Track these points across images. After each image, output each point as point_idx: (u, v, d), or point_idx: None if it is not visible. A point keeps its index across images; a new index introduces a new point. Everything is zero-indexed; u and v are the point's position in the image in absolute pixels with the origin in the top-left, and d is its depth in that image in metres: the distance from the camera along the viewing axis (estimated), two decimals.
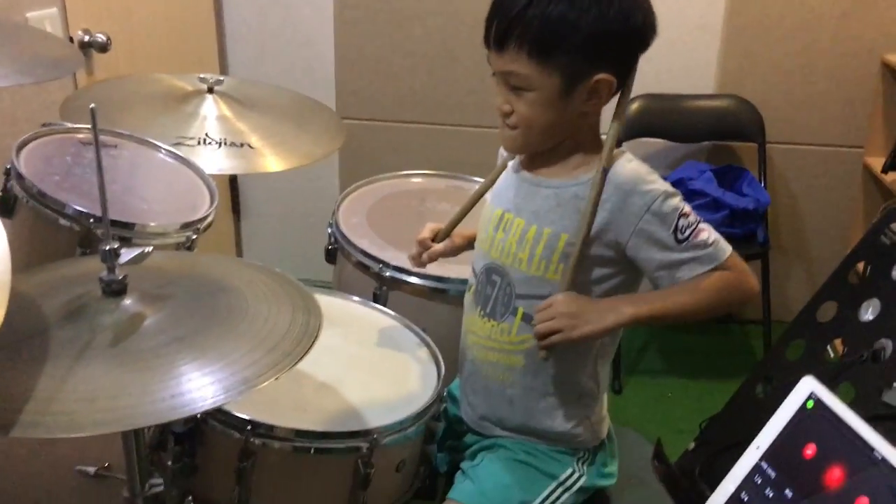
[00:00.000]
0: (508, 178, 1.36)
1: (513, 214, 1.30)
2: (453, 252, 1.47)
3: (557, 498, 1.34)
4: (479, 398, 1.40)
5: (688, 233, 1.20)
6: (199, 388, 0.94)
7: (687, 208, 1.22)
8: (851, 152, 2.85)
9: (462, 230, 1.47)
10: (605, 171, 1.21)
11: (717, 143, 2.93)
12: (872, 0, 2.68)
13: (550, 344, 1.21)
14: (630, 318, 1.21)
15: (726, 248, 1.22)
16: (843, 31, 2.73)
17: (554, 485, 1.34)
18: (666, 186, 1.22)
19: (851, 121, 2.83)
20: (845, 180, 2.89)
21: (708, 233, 1.22)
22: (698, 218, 1.22)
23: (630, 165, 1.24)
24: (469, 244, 1.46)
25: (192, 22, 2.76)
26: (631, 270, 1.26)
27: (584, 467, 1.36)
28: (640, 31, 1.19)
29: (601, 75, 1.18)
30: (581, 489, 1.36)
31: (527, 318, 1.28)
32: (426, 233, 1.46)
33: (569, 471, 1.35)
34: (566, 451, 1.36)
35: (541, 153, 1.30)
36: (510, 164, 1.38)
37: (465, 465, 1.39)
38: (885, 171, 2.61)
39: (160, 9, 2.51)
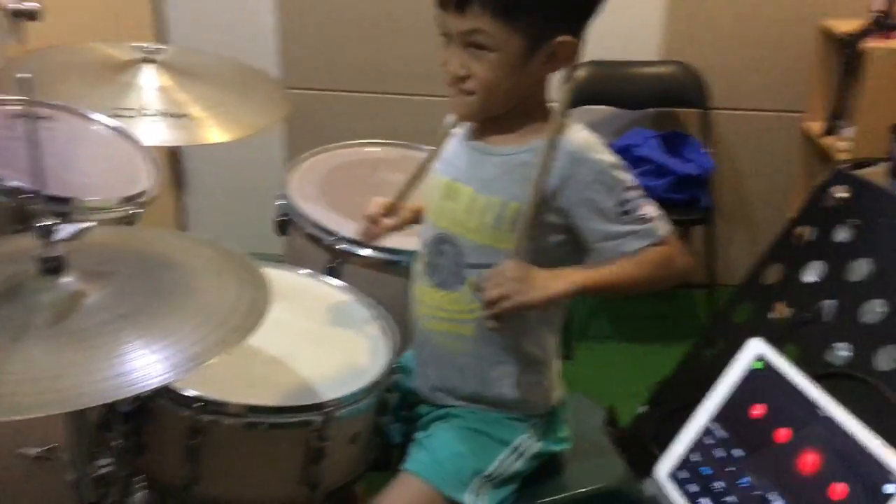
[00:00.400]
0: (456, 147, 1.35)
1: (461, 183, 1.29)
2: (402, 226, 1.46)
3: (511, 464, 1.34)
4: (431, 369, 1.39)
5: (631, 205, 1.21)
6: (145, 365, 0.92)
7: (632, 182, 1.23)
8: (791, 117, 2.90)
9: (410, 203, 1.46)
10: (555, 141, 1.21)
11: (661, 109, 2.95)
12: None
13: (500, 311, 1.20)
14: (577, 287, 1.22)
15: (664, 226, 1.24)
16: None
17: (507, 451, 1.35)
18: (615, 158, 1.23)
19: (791, 86, 2.87)
20: (786, 145, 2.94)
21: (650, 208, 1.23)
22: (642, 192, 1.23)
23: (581, 134, 1.24)
24: (418, 217, 1.45)
25: None
26: (579, 240, 1.27)
27: (537, 433, 1.37)
28: None
29: (563, 38, 1.19)
30: (535, 455, 1.37)
31: (476, 288, 1.28)
32: (374, 207, 1.44)
33: (522, 437, 1.36)
34: (519, 417, 1.36)
35: (490, 121, 1.29)
36: (458, 132, 1.36)
37: (418, 435, 1.39)
38: (824, 135, 2.66)
39: None
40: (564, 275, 1.22)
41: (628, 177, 1.23)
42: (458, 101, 1.25)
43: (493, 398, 1.35)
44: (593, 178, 1.21)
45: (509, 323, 1.24)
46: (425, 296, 1.36)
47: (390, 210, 1.44)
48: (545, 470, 1.41)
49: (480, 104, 1.24)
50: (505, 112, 1.27)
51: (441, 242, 1.32)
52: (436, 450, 1.33)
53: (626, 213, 1.21)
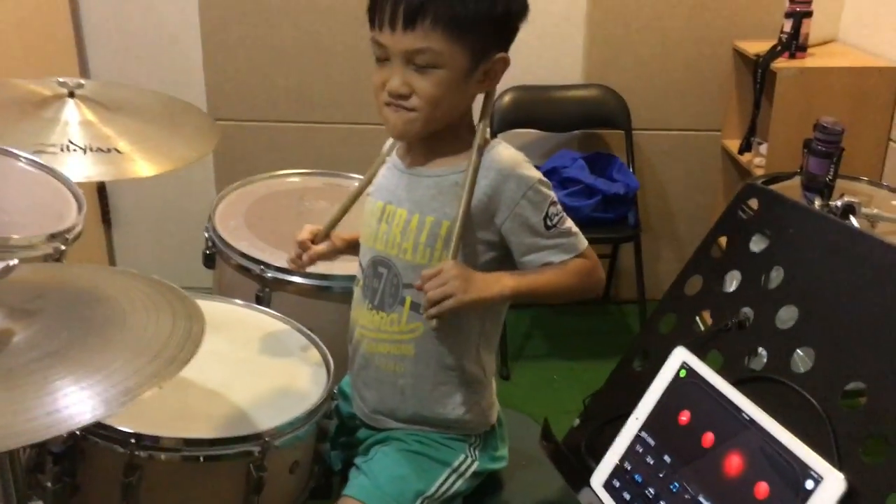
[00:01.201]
0: (389, 172, 1.37)
1: (394, 206, 1.32)
2: (333, 255, 1.47)
3: (452, 484, 1.36)
4: (370, 391, 1.40)
5: (556, 220, 1.27)
6: (77, 402, 0.90)
7: (555, 197, 1.28)
8: (710, 136, 3.01)
9: (341, 233, 1.47)
10: (481, 151, 1.25)
11: (586, 131, 3.03)
12: None
13: (443, 309, 1.21)
14: (511, 291, 1.26)
15: (584, 241, 1.31)
16: (696, 19, 2.88)
17: (448, 471, 1.36)
18: (539, 175, 1.28)
19: (709, 105, 2.98)
20: (706, 162, 3.05)
21: (570, 223, 1.30)
22: (562, 207, 1.29)
23: (507, 152, 1.28)
24: (349, 247, 1.46)
25: (46, 24, 2.63)
26: (508, 255, 1.31)
27: (476, 452, 1.39)
28: (527, 11, 1.25)
29: (501, 54, 1.23)
30: (474, 474, 1.38)
31: (414, 307, 1.30)
32: (305, 234, 1.45)
33: (461, 457, 1.37)
34: (458, 437, 1.38)
35: (422, 146, 1.32)
36: (389, 159, 1.39)
37: (358, 460, 1.39)
38: (741, 151, 2.77)
39: (11, 11, 2.37)
40: (501, 278, 1.27)
41: (551, 193, 1.28)
42: (397, 117, 1.25)
43: (433, 418, 1.37)
44: (521, 193, 1.25)
45: (451, 322, 1.26)
46: (364, 319, 1.37)
47: (320, 237, 1.45)
48: (485, 488, 1.43)
49: (422, 121, 1.25)
50: (435, 135, 1.29)
51: (377, 265, 1.34)
52: (376, 474, 1.33)
53: (551, 226, 1.27)
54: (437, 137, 1.30)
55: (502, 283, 1.26)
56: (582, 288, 1.30)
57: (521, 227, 1.26)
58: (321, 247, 1.45)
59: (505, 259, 1.31)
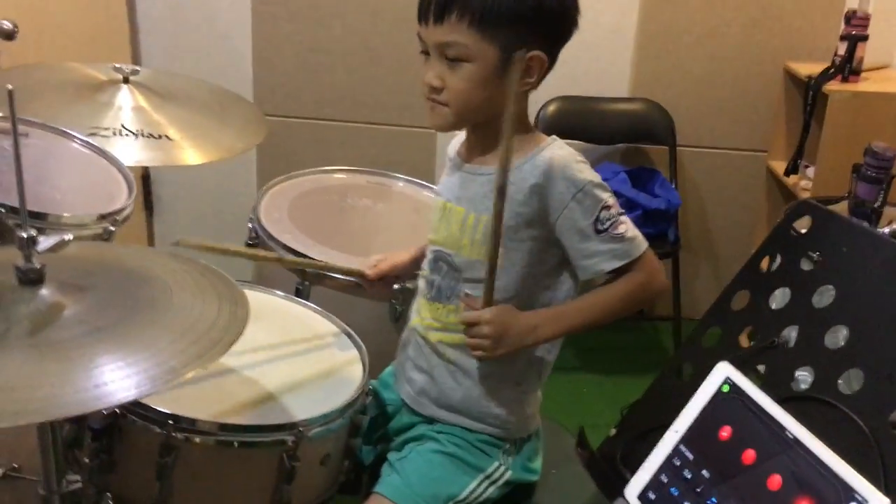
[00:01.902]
0: (451, 171, 1.39)
1: (452, 204, 1.34)
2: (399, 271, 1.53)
3: (484, 491, 1.35)
4: (419, 374, 1.40)
5: (607, 224, 1.24)
6: (123, 378, 0.91)
7: (610, 201, 1.26)
8: (756, 156, 2.98)
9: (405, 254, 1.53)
10: (505, 168, 1.20)
11: (630, 145, 3.01)
12: (777, 10, 2.81)
13: (476, 357, 1.29)
14: (546, 340, 1.31)
15: (641, 245, 1.27)
16: (748, 38, 2.85)
17: (481, 477, 1.35)
18: (593, 176, 1.26)
19: (756, 125, 2.95)
20: (750, 183, 3.02)
21: (626, 227, 1.26)
22: (621, 211, 1.26)
23: (560, 151, 1.27)
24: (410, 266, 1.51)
25: (103, 11, 2.67)
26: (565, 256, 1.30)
27: (510, 460, 1.38)
28: (571, 15, 1.24)
29: (535, 52, 1.22)
30: (506, 482, 1.37)
31: (467, 296, 1.32)
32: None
33: (495, 464, 1.36)
34: (493, 441, 1.37)
35: (477, 142, 1.33)
36: (450, 158, 1.40)
37: (391, 456, 1.39)
38: (787, 174, 2.74)
39: None
40: (537, 328, 1.28)
41: (606, 195, 1.25)
42: (433, 111, 1.28)
43: (476, 411, 1.36)
44: (571, 195, 1.24)
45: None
46: (423, 309, 1.39)
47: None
48: (515, 496, 1.42)
49: (454, 115, 1.27)
50: (487, 133, 1.29)
51: (438, 260, 1.36)
52: (409, 473, 1.33)
53: (602, 231, 1.24)
54: (489, 135, 1.29)
55: (537, 334, 1.28)
56: (632, 306, 1.28)
57: (571, 230, 1.25)
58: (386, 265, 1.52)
59: (567, 268, 1.31)
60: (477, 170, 1.32)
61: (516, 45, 1.21)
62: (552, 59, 1.26)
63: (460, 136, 1.39)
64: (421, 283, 1.42)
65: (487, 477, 1.36)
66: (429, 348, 1.39)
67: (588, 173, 1.26)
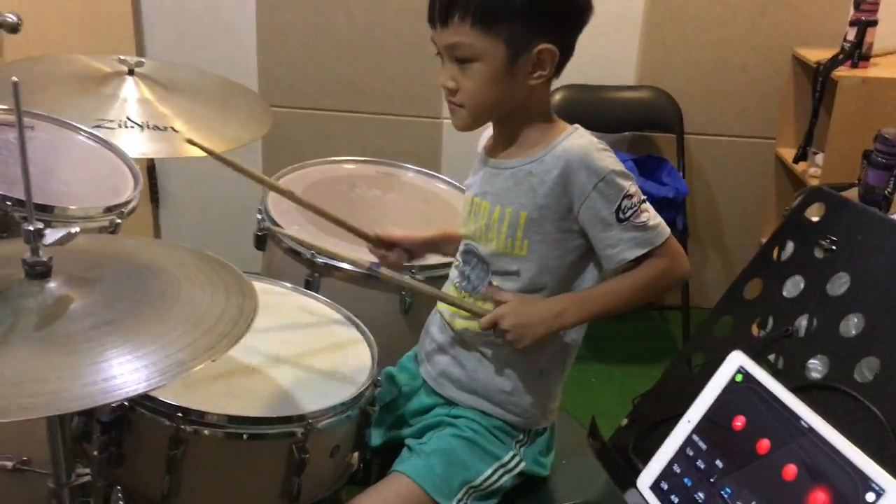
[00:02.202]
0: (478, 166, 1.39)
1: (480, 199, 1.34)
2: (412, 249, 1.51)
3: (499, 479, 1.36)
4: (443, 356, 1.41)
5: (629, 213, 1.24)
6: (131, 371, 0.91)
7: (633, 189, 1.25)
8: (764, 143, 2.96)
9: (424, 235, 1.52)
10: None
11: (637, 133, 2.99)
12: None
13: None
14: (572, 325, 1.31)
15: (664, 233, 1.27)
16: (756, 25, 2.83)
17: (496, 465, 1.36)
18: (615, 164, 1.25)
19: (764, 113, 2.93)
20: (759, 170, 3.00)
21: (648, 215, 1.25)
22: (643, 198, 1.26)
23: (580, 142, 1.27)
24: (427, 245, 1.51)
25: (107, 2, 2.67)
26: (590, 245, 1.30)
27: (522, 450, 1.38)
28: (578, 3, 1.23)
29: (544, 45, 1.21)
30: (520, 473, 1.38)
31: (491, 287, 1.33)
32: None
33: (510, 453, 1.37)
34: (508, 430, 1.37)
35: (501, 137, 1.33)
36: (480, 154, 1.40)
37: (411, 441, 1.39)
38: (796, 161, 2.72)
39: None
40: (562, 313, 1.28)
41: (628, 183, 1.25)
42: (453, 114, 1.30)
43: (497, 397, 1.36)
44: (592, 185, 1.23)
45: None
46: (451, 293, 1.40)
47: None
48: (527, 487, 1.42)
49: (470, 115, 1.28)
50: (510, 127, 1.31)
51: (468, 253, 1.38)
52: (429, 455, 1.34)
53: (624, 220, 1.24)
54: (512, 128, 1.31)
55: (563, 318, 1.28)
56: (656, 292, 1.29)
57: (593, 220, 1.25)
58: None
59: (591, 256, 1.31)
60: (501, 164, 1.33)
61: (522, 39, 1.20)
62: (566, 49, 1.25)
63: (489, 131, 1.39)
64: (453, 273, 1.42)
65: (502, 465, 1.37)
66: (454, 334, 1.39)
67: (609, 161, 1.25)
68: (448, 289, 1.42)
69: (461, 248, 1.41)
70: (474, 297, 1.36)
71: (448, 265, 1.48)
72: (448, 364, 1.40)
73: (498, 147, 1.35)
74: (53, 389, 0.87)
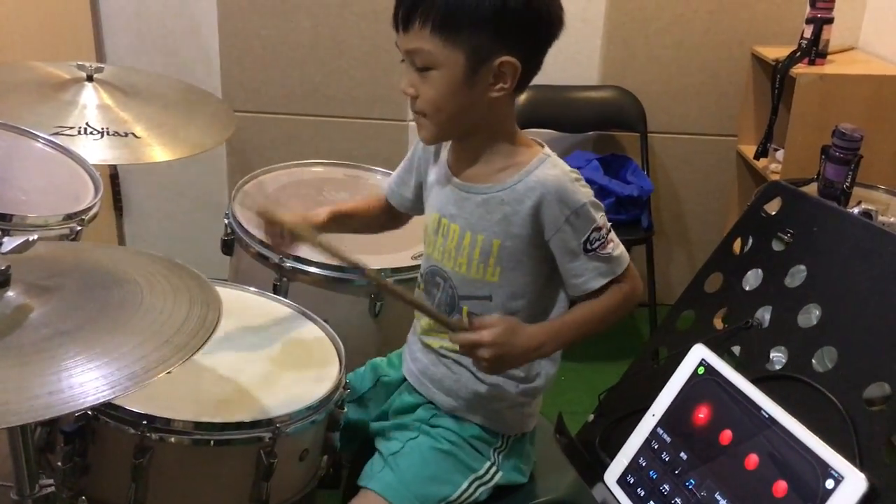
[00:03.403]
0: (441, 183, 1.35)
1: (448, 220, 1.32)
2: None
3: (475, 491, 1.34)
4: (429, 354, 1.39)
5: (596, 245, 1.24)
6: (81, 384, 0.89)
7: (601, 220, 1.25)
8: (726, 140, 3.00)
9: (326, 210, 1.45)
10: None
11: (601, 132, 3.02)
12: None
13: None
14: (548, 355, 1.31)
15: (625, 261, 1.27)
16: (715, 24, 2.86)
17: (472, 478, 1.34)
18: (586, 196, 1.24)
19: (725, 110, 2.97)
20: (721, 167, 3.04)
21: (613, 244, 1.26)
22: (609, 227, 1.26)
23: (553, 172, 1.25)
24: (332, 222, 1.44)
25: (64, 8, 2.63)
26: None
27: (500, 458, 1.37)
28: (544, 18, 1.20)
29: (505, 57, 1.18)
30: (497, 484, 1.36)
31: (471, 316, 1.31)
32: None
33: (486, 464, 1.36)
34: (487, 438, 1.37)
35: (464, 154, 1.30)
36: (437, 169, 1.37)
37: (383, 447, 1.38)
38: (757, 157, 2.75)
39: None
40: (541, 344, 1.26)
41: (599, 214, 1.25)
42: (418, 125, 1.28)
43: (476, 402, 1.35)
44: (564, 218, 1.23)
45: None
46: (425, 319, 1.38)
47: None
48: (502, 494, 1.41)
49: (435, 126, 1.25)
50: (473, 145, 1.28)
51: (435, 275, 1.35)
52: (404, 470, 1.32)
53: (590, 251, 1.24)
54: (476, 145, 1.29)
55: (542, 350, 1.26)
56: (620, 317, 1.28)
57: (562, 250, 1.25)
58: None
59: (553, 282, 1.31)
60: (470, 188, 1.30)
61: (483, 50, 1.18)
62: (529, 64, 1.22)
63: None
64: (420, 296, 1.40)
65: (478, 478, 1.35)
66: (432, 352, 1.38)
67: (582, 193, 1.24)
68: (418, 315, 1.41)
69: (425, 268, 1.38)
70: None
71: (417, 268, 1.47)
72: (431, 363, 1.39)
73: (461, 164, 1.31)
74: (1, 402, 0.85)
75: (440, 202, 1.34)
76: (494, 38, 1.18)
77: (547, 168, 1.26)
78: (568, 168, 1.27)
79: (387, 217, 1.53)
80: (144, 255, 1.21)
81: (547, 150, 1.30)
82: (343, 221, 1.46)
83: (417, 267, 1.47)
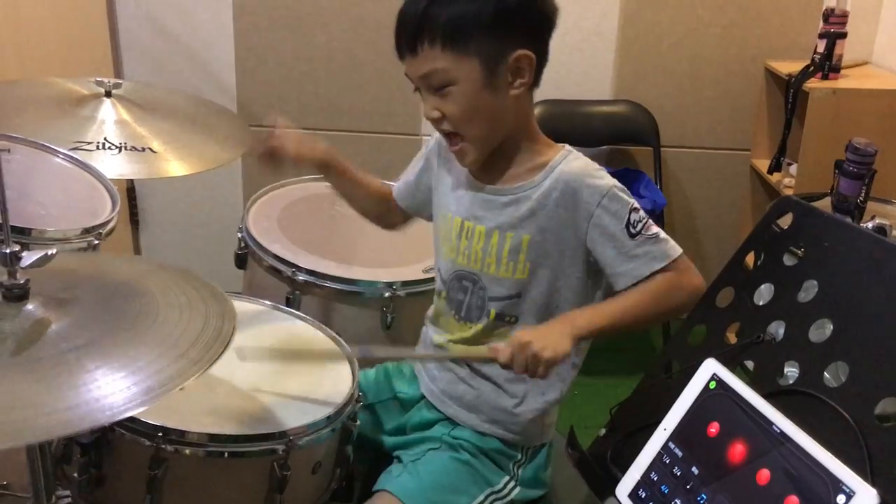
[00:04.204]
0: (462, 187, 1.35)
1: (472, 223, 1.31)
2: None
3: None
4: (445, 373, 1.40)
5: (640, 227, 1.22)
6: (98, 399, 0.89)
7: (636, 203, 1.24)
8: (739, 155, 3.00)
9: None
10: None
11: (614, 146, 3.02)
12: (757, 10, 2.83)
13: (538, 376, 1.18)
14: (587, 331, 1.20)
15: (676, 246, 1.24)
16: (728, 39, 2.87)
17: (488, 491, 1.35)
18: (613, 181, 1.24)
19: (738, 125, 2.97)
20: (734, 181, 3.03)
21: (657, 228, 1.24)
22: (645, 213, 1.24)
23: (577, 164, 1.26)
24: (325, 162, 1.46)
25: (84, 25, 2.67)
26: (596, 266, 1.27)
27: (519, 472, 1.37)
28: (540, 5, 1.22)
29: (519, 51, 1.20)
30: (513, 499, 1.37)
31: (499, 317, 1.31)
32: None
33: (504, 479, 1.36)
34: (507, 452, 1.37)
35: (490, 159, 1.30)
36: (454, 173, 1.36)
37: (404, 455, 1.38)
38: (770, 171, 2.75)
39: (50, 11, 2.42)
40: (573, 321, 1.20)
41: (630, 198, 1.24)
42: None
43: (500, 414, 1.35)
44: (596, 203, 1.22)
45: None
46: (450, 327, 1.38)
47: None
48: None
49: (473, 145, 1.25)
50: (500, 146, 1.28)
51: (462, 279, 1.34)
52: (423, 475, 1.33)
53: (636, 234, 1.21)
54: (500, 152, 1.29)
55: (576, 326, 1.18)
56: (671, 306, 1.21)
57: (603, 237, 1.22)
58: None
59: (596, 278, 1.28)
60: (497, 190, 1.30)
61: (495, 51, 1.19)
62: (541, 53, 1.23)
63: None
64: (441, 304, 1.39)
65: (495, 492, 1.35)
66: (448, 370, 1.39)
67: (608, 179, 1.24)
68: (446, 321, 1.38)
69: (448, 274, 1.36)
70: (478, 327, 1.33)
71: (429, 281, 1.47)
72: (449, 382, 1.39)
73: (486, 170, 1.31)
74: (23, 417, 0.86)
75: (462, 207, 1.34)
76: (503, 37, 1.19)
77: (570, 161, 1.26)
78: (591, 161, 1.28)
79: (382, 209, 1.51)
80: (163, 266, 1.23)
81: (568, 147, 1.30)
82: (339, 176, 1.46)
83: (428, 280, 1.48)
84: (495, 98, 1.22)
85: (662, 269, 1.22)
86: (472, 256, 1.31)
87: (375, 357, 1.35)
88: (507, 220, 1.28)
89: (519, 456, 1.38)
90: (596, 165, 1.27)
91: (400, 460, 1.38)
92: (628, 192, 1.24)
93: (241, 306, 1.57)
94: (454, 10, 1.17)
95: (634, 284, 1.22)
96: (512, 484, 1.36)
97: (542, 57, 1.24)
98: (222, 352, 1.01)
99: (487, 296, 1.32)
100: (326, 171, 1.46)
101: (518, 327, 1.30)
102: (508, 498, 1.36)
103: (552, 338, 1.17)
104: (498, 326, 1.32)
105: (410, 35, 1.20)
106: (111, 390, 0.91)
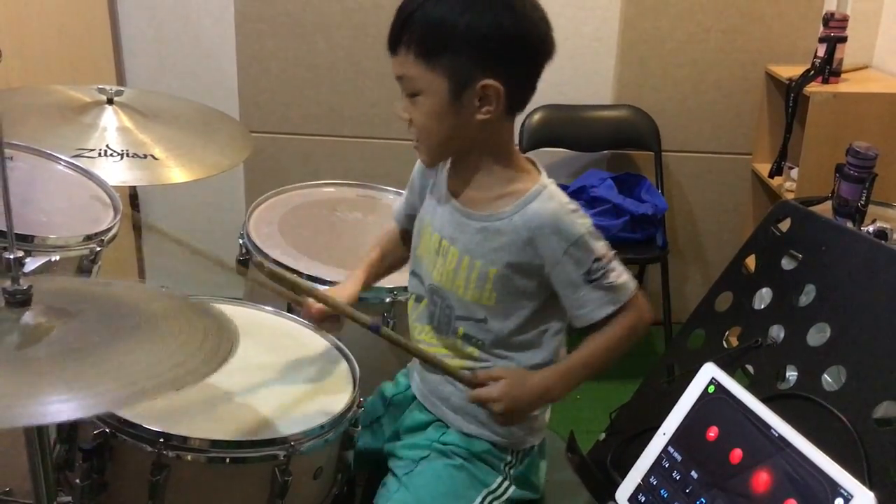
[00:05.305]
0: (441, 203, 1.36)
1: (448, 243, 1.32)
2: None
3: None
4: (433, 374, 1.40)
5: (598, 275, 1.24)
6: (94, 395, 0.90)
7: (602, 250, 1.25)
8: (740, 159, 3.00)
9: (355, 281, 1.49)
10: None
11: (616, 151, 3.03)
12: (757, 14, 2.84)
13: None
14: (559, 398, 1.31)
15: (629, 289, 1.27)
16: (729, 43, 2.88)
17: (485, 493, 1.35)
18: (584, 227, 1.24)
19: (739, 129, 2.98)
20: (735, 185, 3.04)
21: (616, 273, 1.26)
22: (612, 257, 1.26)
23: (550, 206, 1.25)
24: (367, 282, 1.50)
25: (86, 32, 2.68)
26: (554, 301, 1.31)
27: (511, 473, 1.38)
28: (526, 40, 1.20)
29: (486, 81, 1.18)
30: (509, 499, 1.37)
31: (466, 338, 1.33)
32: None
33: (498, 479, 1.37)
34: (497, 454, 1.37)
35: (459, 174, 1.31)
36: (437, 187, 1.38)
37: (397, 468, 1.38)
38: (771, 175, 2.76)
39: (53, 19, 2.43)
40: (549, 390, 1.29)
41: (598, 245, 1.25)
42: (416, 150, 1.30)
43: (484, 417, 1.35)
44: (563, 250, 1.23)
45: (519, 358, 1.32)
46: (424, 334, 1.39)
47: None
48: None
49: (427, 151, 1.29)
50: (470, 164, 1.29)
51: (434, 293, 1.36)
52: (418, 488, 1.33)
53: (593, 281, 1.24)
54: (472, 167, 1.29)
55: (550, 395, 1.30)
56: (628, 348, 1.29)
57: (564, 283, 1.26)
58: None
59: (548, 306, 1.31)
60: (469, 213, 1.30)
61: (463, 74, 1.18)
62: (514, 87, 1.21)
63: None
64: (421, 308, 1.40)
65: (491, 492, 1.36)
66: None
67: (579, 225, 1.24)
68: (421, 326, 1.40)
69: (427, 283, 1.38)
70: (447, 340, 1.35)
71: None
72: (439, 382, 1.40)
73: (459, 184, 1.32)
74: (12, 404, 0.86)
75: (440, 222, 1.35)
76: (474, 62, 1.18)
77: (544, 200, 1.25)
78: (566, 199, 1.27)
79: (401, 250, 1.54)
80: (168, 294, 1.22)
81: (544, 178, 1.29)
82: (377, 272, 1.50)
83: None
84: (458, 118, 1.22)
85: (616, 312, 1.26)
86: (446, 276, 1.33)
87: (386, 336, 1.35)
88: (477, 248, 1.29)
89: (509, 458, 1.38)
90: (571, 206, 1.26)
91: (394, 474, 1.38)
92: (598, 235, 1.26)
93: (242, 312, 1.58)
94: (432, 21, 1.17)
95: (592, 328, 1.28)
96: (507, 483, 1.37)
97: (516, 90, 1.22)
98: (218, 367, 1.00)
99: (454, 315, 1.34)
100: (373, 280, 1.53)
101: (488, 357, 1.34)
102: (505, 496, 1.37)
103: (519, 406, 1.28)
104: (467, 345, 1.34)
105: (394, 35, 1.22)
106: (104, 388, 0.91)
